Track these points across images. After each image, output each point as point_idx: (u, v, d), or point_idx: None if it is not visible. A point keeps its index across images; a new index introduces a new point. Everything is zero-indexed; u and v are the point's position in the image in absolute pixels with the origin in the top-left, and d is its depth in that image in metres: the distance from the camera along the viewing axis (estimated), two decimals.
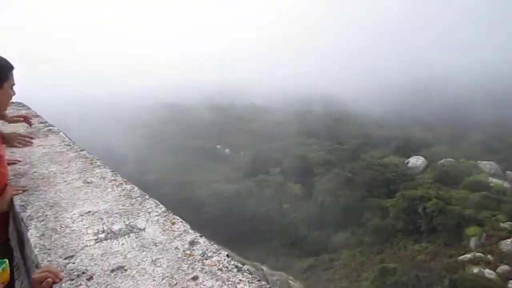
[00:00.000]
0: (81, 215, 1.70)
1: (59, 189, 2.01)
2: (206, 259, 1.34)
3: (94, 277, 1.27)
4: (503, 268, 23.14)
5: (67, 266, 1.34)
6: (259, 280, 1.24)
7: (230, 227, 27.87)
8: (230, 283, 1.22)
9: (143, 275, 1.26)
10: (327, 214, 32.24)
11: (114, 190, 1.94)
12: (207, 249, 1.40)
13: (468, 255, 24.66)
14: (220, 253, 1.38)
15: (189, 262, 1.33)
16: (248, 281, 1.23)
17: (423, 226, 28.06)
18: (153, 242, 1.45)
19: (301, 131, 50.37)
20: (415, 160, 38.35)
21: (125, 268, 1.31)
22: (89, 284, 1.24)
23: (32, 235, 1.59)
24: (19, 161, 2.46)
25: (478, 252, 24.86)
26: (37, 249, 1.48)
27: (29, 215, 1.76)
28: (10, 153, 2.48)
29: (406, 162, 38.58)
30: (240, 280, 1.23)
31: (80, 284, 1.24)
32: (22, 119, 3.00)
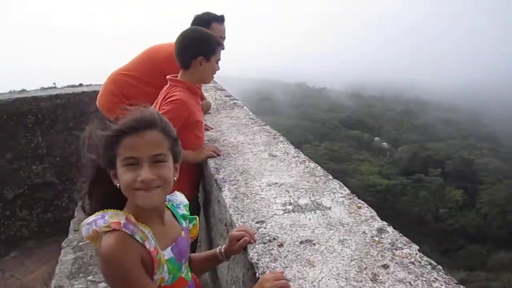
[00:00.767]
0: (269, 185, 1.79)
1: (247, 158, 2.16)
2: (396, 250, 1.29)
3: (284, 245, 1.32)
4: None
5: (259, 230, 1.42)
6: (457, 283, 1.14)
7: None
8: (424, 279, 1.15)
9: (332, 253, 1.27)
10: (491, 228, 29.05)
11: (298, 166, 2.00)
12: (397, 240, 1.34)
13: None
14: (411, 246, 1.31)
15: (378, 249, 1.29)
16: (445, 281, 1.14)
17: None
18: (339, 223, 1.45)
19: (471, 133, 45.77)
20: None
21: (314, 242, 1.33)
22: (280, 251, 1.29)
23: (226, 196, 1.72)
24: (212, 128, 2.70)
25: None
26: (231, 210, 1.60)
27: (222, 178, 1.92)
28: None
29: None
30: (435, 278, 1.15)
31: (272, 249, 1.30)
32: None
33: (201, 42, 2.32)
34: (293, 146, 2.31)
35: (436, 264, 1.22)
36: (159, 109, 2.17)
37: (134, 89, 3.01)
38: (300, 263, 1.22)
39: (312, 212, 1.52)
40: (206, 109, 3.16)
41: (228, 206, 1.63)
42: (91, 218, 1.09)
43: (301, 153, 2.20)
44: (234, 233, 1.35)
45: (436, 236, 28.61)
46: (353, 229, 1.40)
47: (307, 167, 1.98)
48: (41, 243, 4.22)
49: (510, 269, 25.46)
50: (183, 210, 1.30)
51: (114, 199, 1.13)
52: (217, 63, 2.36)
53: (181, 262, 1.20)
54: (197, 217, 1.35)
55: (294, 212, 1.53)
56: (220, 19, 2.93)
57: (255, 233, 1.38)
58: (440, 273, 1.18)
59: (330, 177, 1.86)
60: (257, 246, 1.32)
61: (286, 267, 1.21)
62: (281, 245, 1.32)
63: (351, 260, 1.23)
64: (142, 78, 3.04)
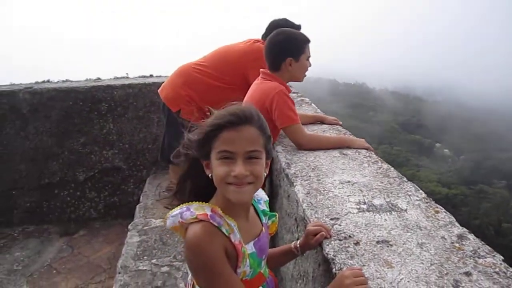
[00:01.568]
0: (341, 183, 1.77)
1: (317, 154, 2.15)
2: (479, 258, 1.24)
3: (360, 243, 1.31)
4: None
5: (334, 227, 1.41)
6: None
7: None
8: None
9: (410, 255, 1.24)
10: None
11: (370, 166, 1.97)
12: (479, 248, 1.29)
13: None
14: (494, 256, 1.25)
15: (459, 255, 1.25)
16: None
17: None
18: (417, 226, 1.41)
19: None
20: None
21: (390, 243, 1.31)
22: (356, 249, 1.28)
23: (299, 191, 1.73)
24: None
25: None
26: (305, 205, 1.60)
27: (294, 173, 1.92)
28: None
29: None
30: None
31: (348, 246, 1.29)
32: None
33: (288, 44, 2.37)
34: (358, 138, 2.29)
35: None
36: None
37: (202, 84, 3.09)
38: (378, 262, 1.21)
39: (388, 213, 1.50)
40: None
41: (301, 201, 1.64)
42: (176, 211, 1.13)
43: (373, 153, 2.17)
44: (311, 228, 1.35)
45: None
46: (432, 233, 1.36)
47: (379, 167, 1.95)
48: (107, 225, 4.43)
49: None
50: (264, 206, 1.33)
51: (204, 190, 1.17)
52: (308, 60, 2.38)
53: (261, 258, 1.23)
54: (277, 214, 1.37)
55: (369, 211, 1.51)
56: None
57: (330, 229, 1.38)
58: None
59: (405, 179, 1.81)
60: (332, 242, 1.32)
61: (364, 265, 1.20)
62: (357, 243, 1.31)
63: (431, 264, 1.20)
64: (213, 73, 3.11)
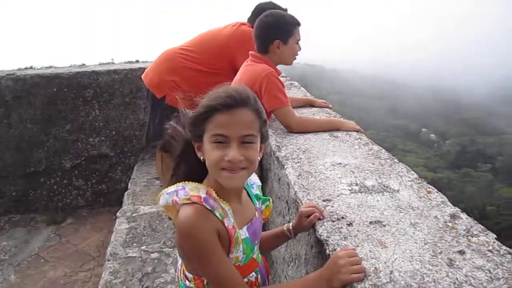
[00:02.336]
0: (333, 165, 1.76)
1: (308, 137, 2.13)
2: (472, 237, 1.23)
3: (353, 224, 1.30)
4: None
5: (326, 208, 1.40)
6: None
7: None
8: (504, 268, 1.09)
9: (403, 235, 1.23)
10: None
11: (361, 148, 1.95)
12: (471, 227, 1.28)
13: None
14: (487, 234, 1.25)
15: (452, 234, 1.24)
16: None
17: None
18: (409, 206, 1.40)
19: None
20: None
21: (383, 223, 1.30)
22: (349, 229, 1.27)
23: (290, 174, 1.71)
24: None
25: None
26: (297, 187, 1.58)
27: (284, 155, 1.90)
28: None
29: None
30: None
31: (341, 227, 1.28)
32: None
33: (276, 26, 2.33)
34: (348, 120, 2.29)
35: None
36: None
37: (187, 69, 3.04)
38: (372, 243, 1.20)
39: (380, 194, 1.49)
40: None
41: (292, 183, 1.62)
42: (171, 188, 1.10)
43: (363, 135, 2.16)
44: (304, 210, 1.34)
45: None
46: (424, 213, 1.36)
47: (370, 149, 1.94)
48: (95, 212, 4.39)
49: None
50: (257, 191, 1.30)
51: (196, 172, 1.14)
52: (297, 43, 2.34)
53: (254, 243, 1.21)
54: (270, 198, 1.35)
55: (361, 192, 1.50)
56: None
57: (323, 211, 1.37)
58: None
59: (396, 160, 1.81)
60: (325, 223, 1.31)
61: (357, 246, 1.18)
62: (350, 224, 1.30)
63: (425, 244, 1.19)
64: (199, 57, 3.06)
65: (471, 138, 41.07)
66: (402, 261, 1.12)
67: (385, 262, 1.11)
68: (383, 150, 1.92)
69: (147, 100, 3.31)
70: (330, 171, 1.70)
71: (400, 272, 1.06)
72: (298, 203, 1.51)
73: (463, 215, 1.36)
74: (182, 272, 1.22)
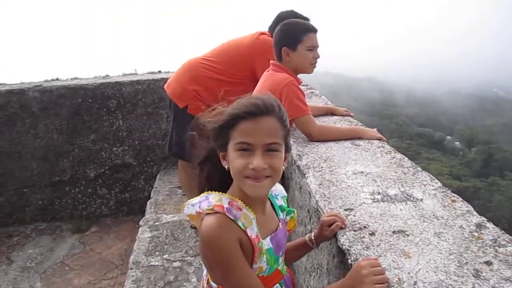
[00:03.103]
0: (355, 174, 1.74)
1: (329, 146, 2.12)
2: (499, 247, 1.20)
3: (376, 233, 1.28)
4: None
5: (348, 218, 1.38)
6: None
7: None
8: None
9: (428, 245, 1.21)
10: None
11: (383, 156, 1.93)
12: (499, 237, 1.25)
13: None
14: None
15: (478, 245, 1.21)
16: None
17: None
18: (433, 215, 1.38)
19: None
20: None
21: (407, 233, 1.28)
22: (372, 239, 1.25)
23: (312, 182, 1.70)
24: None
25: None
26: (318, 196, 1.57)
27: (306, 164, 1.90)
28: None
29: None
30: None
31: (364, 237, 1.26)
32: None
33: (283, 33, 2.35)
34: (370, 129, 2.26)
35: None
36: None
37: (209, 79, 3.06)
38: (395, 253, 1.18)
39: (403, 203, 1.46)
40: None
41: (314, 192, 1.61)
42: (196, 200, 1.11)
43: (385, 143, 2.13)
44: (325, 219, 1.33)
45: None
46: (449, 223, 1.33)
47: (393, 157, 1.91)
48: (118, 221, 4.45)
49: None
50: (281, 202, 1.30)
51: (222, 180, 1.15)
52: (311, 50, 2.33)
53: (278, 255, 1.20)
54: (295, 210, 1.34)
55: (383, 201, 1.48)
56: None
57: (345, 220, 1.35)
58: None
59: (419, 168, 1.78)
60: (347, 233, 1.29)
61: (380, 256, 1.17)
62: (372, 234, 1.28)
63: (450, 254, 1.17)
64: (220, 67, 3.08)
65: (498, 146, 40.11)
66: (426, 271, 1.10)
67: (409, 273, 1.09)
68: (406, 159, 1.89)
69: (169, 109, 3.34)
70: (352, 180, 1.68)
71: (424, 283, 1.04)
72: (319, 212, 1.50)
73: (490, 225, 1.32)
74: (206, 281, 1.22)
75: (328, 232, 1.30)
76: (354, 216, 1.39)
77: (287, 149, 1.14)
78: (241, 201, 1.10)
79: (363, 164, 1.84)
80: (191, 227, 3.28)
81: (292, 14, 3.00)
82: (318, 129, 2.25)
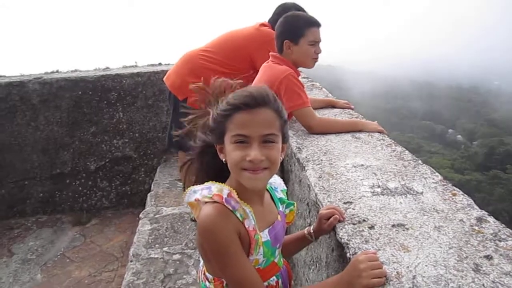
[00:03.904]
0: (354, 167, 1.73)
1: (329, 138, 2.10)
2: (500, 241, 1.18)
3: (375, 227, 1.27)
4: None
5: (347, 211, 1.37)
6: None
7: None
8: None
9: (427, 239, 1.20)
10: None
11: (384, 149, 1.92)
12: (499, 231, 1.24)
13: None
14: None
15: (478, 238, 1.20)
16: None
17: None
18: (433, 209, 1.36)
19: None
20: None
21: (406, 226, 1.26)
22: (371, 233, 1.24)
23: (311, 175, 1.68)
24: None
25: None
26: (317, 189, 1.56)
27: (305, 157, 1.88)
28: None
29: None
30: None
31: (363, 230, 1.25)
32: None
33: (286, 26, 2.32)
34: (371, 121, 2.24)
35: None
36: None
37: (209, 71, 3.03)
38: (394, 246, 1.17)
39: (403, 196, 1.45)
40: None
41: (313, 185, 1.60)
42: (199, 187, 1.10)
43: (386, 136, 2.11)
44: (324, 212, 1.31)
45: None
46: (449, 216, 1.31)
47: (393, 150, 1.90)
48: (119, 214, 4.45)
49: None
50: (281, 194, 1.29)
51: (219, 173, 1.14)
52: (314, 45, 2.31)
53: (276, 247, 1.19)
54: (295, 202, 1.33)
55: (383, 195, 1.47)
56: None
57: (344, 213, 1.34)
58: None
59: (420, 161, 1.76)
60: (346, 226, 1.28)
61: (379, 249, 1.16)
62: (372, 227, 1.27)
63: (449, 248, 1.15)
64: (220, 59, 3.06)
65: (500, 139, 40.02)
66: (426, 265, 1.08)
67: (408, 267, 1.08)
68: (407, 152, 1.87)
69: (169, 102, 3.33)
70: (352, 173, 1.67)
71: (423, 277, 1.03)
72: (318, 205, 1.49)
73: (491, 219, 1.31)
74: (203, 272, 1.21)
75: (326, 225, 1.29)
76: (354, 209, 1.38)
77: (284, 140, 1.13)
78: (239, 194, 1.09)
79: (363, 157, 1.82)
80: (191, 219, 3.28)
81: (294, 6, 2.97)
82: (318, 122, 2.23)
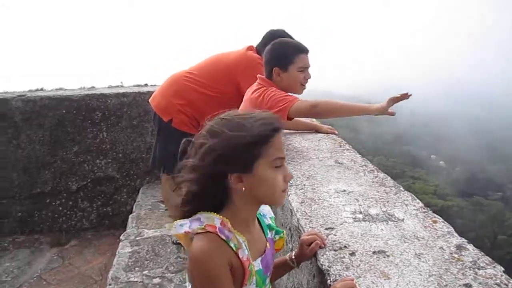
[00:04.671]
0: (337, 192, 1.73)
1: (312, 163, 2.11)
2: (479, 269, 1.19)
3: (356, 254, 1.27)
4: None
5: (329, 237, 1.37)
6: None
7: None
8: None
9: (408, 266, 1.20)
10: None
11: (366, 175, 1.93)
12: (479, 259, 1.25)
13: None
14: (495, 267, 1.21)
15: (458, 266, 1.21)
16: None
17: None
18: (414, 236, 1.37)
19: None
20: None
21: (387, 254, 1.27)
22: (352, 259, 1.24)
23: (293, 200, 1.69)
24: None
25: None
26: (299, 214, 1.56)
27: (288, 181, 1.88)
28: None
29: None
30: None
31: (344, 257, 1.25)
32: None
33: (276, 53, 2.35)
34: (360, 155, 2.25)
35: None
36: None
37: (194, 92, 3.05)
38: (374, 274, 1.17)
39: (384, 223, 1.46)
40: None
41: (295, 210, 1.60)
42: (185, 221, 1.07)
43: (369, 162, 2.13)
44: (305, 238, 1.31)
45: None
46: (430, 244, 1.32)
47: (376, 176, 1.91)
48: (99, 235, 4.36)
49: None
50: (269, 221, 1.28)
51: (217, 203, 1.12)
52: (303, 71, 2.35)
53: (266, 275, 1.18)
54: (284, 230, 1.33)
55: (364, 221, 1.47)
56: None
57: (326, 238, 1.34)
58: None
59: (401, 188, 1.78)
60: (327, 252, 1.28)
61: (359, 276, 1.15)
62: (353, 254, 1.27)
63: (429, 276, 1.16)
64: (204, 81, 3.07)
65: (481, 166, 40.69)
66: None
67: None
68: (389, 178, 1.89)
69: (153, 123, 3.32)
70: (334, 199, 1.67)
71: None
72: (300, 230, 1.49)
73: (470, 246, 1.32)
74: None
75: (308, 251, 1.29)
76: (335, 235, 1.38)
77: None
78: (234, 223, 1.07)
79: (345, 183, 1.83)
80: (173, 242, 3.23)
81: (282, 32, 3.02)
82: (314, 101, 2.26)
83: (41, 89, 4.55)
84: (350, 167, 2.05)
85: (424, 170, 42.62)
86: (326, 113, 2.36)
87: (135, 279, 2.80)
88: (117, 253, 3.14)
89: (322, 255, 1.27)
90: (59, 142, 4.23)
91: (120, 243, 3.27)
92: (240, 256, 1.05)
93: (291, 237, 1.70)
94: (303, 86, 2.43)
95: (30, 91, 4.44)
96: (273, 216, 1.32)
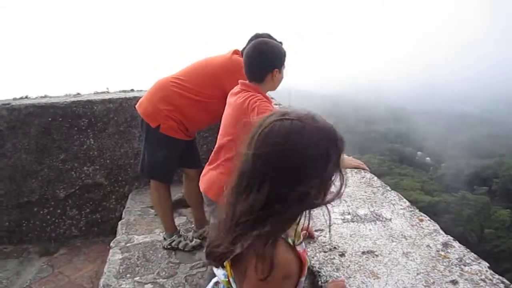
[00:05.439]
0: None
1: None
2: (465, 266, 1.23)
3: (346, 254, 1.29)
4: None
5: (319, 238, 1.39)
6: None
7: None
8: None
9: (396, 265, 1.23)
10: None
11: (354, 176, 1.96)
12: (464, 255, 1.28)
13: None
14: (480, 263, 1.25)
15: (444, 264, 1.24)
16: None
17: None
18: (401, 235, 1.40)
19: None
20: None
21: (376, 253, 1.30)
22: (342, 260, 1.27)
23: None
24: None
25: None
26: None
27: None
28: None
29: None
30: None
31: (334, 258, 1.28)
32: None
33: (276, 54, 2.34)
34: (346, 155, 2.28)
35: (509, 283, 1.16)
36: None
37: (180, 98, 3.04)
38: (364, 273, 1.19)
39: (372, 223, 1.49)
40: None
41: None
42: None
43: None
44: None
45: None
46: (417, 242, 1.36)
47: (363, 177, 1.94)
48: (88, 243, 4.34)
49: None
50: None
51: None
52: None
53: None
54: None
55: (353, 222, 1.50)
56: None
57: (314, 241, 1.36)
58: None
59: (388, 188, 1.81)
60: (318, 254, 1.30)
61: (350, 277, 1.18)
62: (342, 255, 1.29)
63: (417, 274, 1.19)
64: (190, 87, 3.07)
65: (466, 161, 41.24)
66: None
67: None
68: (375, 178, 1.92)
69: (141, 129, 3.31)
70: None
71: None
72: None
73: (456, 243, 1.36)
74: None
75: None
76: (325, 237, 1.40)
77: None
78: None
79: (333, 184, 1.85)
80: (163, 247, 3.23)
81: (268, 36, 3.03)
82: None
83: (26, 97, 4.50)
84: None
85: (411, 167, 43.06)
86: None
87: (127, 286, 2.79)
88: (107, 260, 3.13)
89: (313, 257, 1.29)
90: (46, 150, 4.20)
91: (111, 250, 3.26)
92: (298, 250, 1.01)
93: None
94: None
95: (14, 99, 4.39)
96: None
